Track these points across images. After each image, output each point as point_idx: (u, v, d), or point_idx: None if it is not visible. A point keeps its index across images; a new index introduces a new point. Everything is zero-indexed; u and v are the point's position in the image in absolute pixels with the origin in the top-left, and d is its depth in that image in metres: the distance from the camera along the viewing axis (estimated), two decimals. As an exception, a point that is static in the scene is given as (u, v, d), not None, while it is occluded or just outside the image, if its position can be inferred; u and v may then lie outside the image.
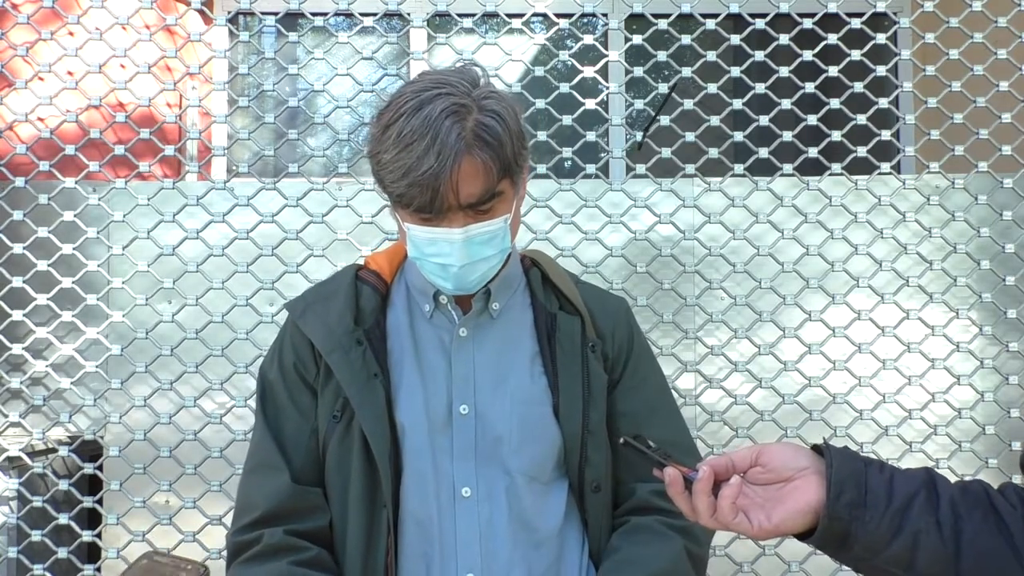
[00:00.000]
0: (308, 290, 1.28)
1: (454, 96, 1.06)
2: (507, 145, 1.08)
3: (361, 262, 1.29)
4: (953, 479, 1.04)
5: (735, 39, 2.12)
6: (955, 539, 0.83)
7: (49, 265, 2.00)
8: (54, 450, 2.02)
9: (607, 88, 2.12)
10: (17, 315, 2.00)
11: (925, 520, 0.83)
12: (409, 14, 2.21)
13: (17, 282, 2.00)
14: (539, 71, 2.11)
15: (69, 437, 2.08)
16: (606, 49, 2.12)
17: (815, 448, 0.90)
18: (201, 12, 2.34)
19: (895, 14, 2.22)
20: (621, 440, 0.94)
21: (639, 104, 2.12)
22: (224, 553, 1.92)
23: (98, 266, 2.03)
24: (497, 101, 1.09)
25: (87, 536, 1.96)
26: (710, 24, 2.10)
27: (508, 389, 1.17)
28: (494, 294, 1.21)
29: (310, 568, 1.12)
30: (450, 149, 1.03)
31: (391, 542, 1.14)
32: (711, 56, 2.10)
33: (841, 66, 2.08)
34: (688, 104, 2.07)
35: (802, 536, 0.88)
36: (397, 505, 1.15)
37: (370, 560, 1.14)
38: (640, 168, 2.05)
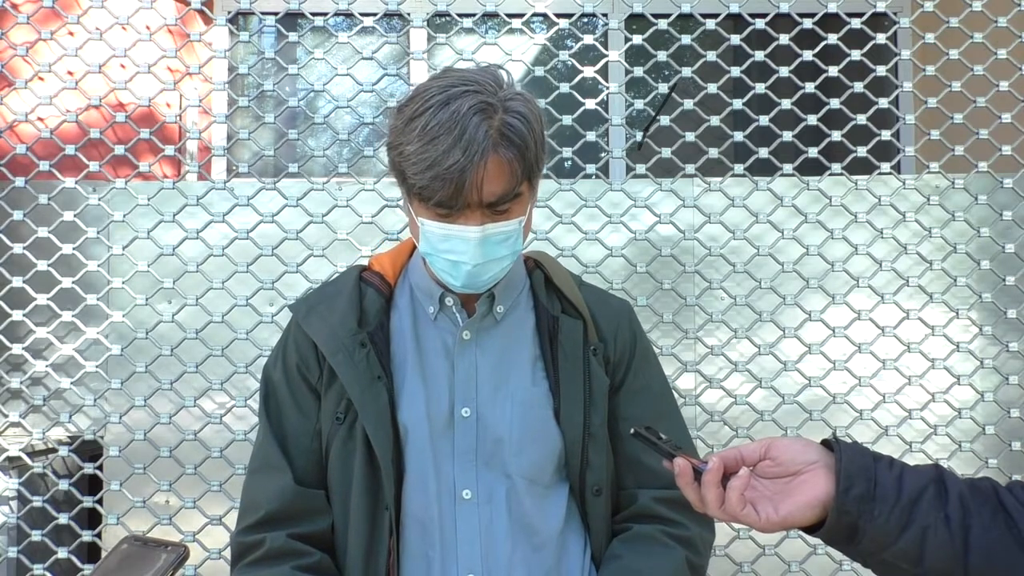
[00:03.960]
0: (311, 292, 1.28)
1: (481, 95, 1.05)
2: (531, 147, 1.07)
3: (364, 263, 1.29)
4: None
5: (735, 39, 2.12)
6: (963, 535, 0.83)
7: (49, 265, 2.00)
8: (54, 450, 2.02)
9: (607, 88, 2.12)
10: (17, 315, 2.00)
11: (934, 515, 0.84)
12: (409, 14, 2.21)
13: (17, 282, 2.00)
14: (539, 71, 2.11)
15: (69, 437, 2.08)
16: (606, 49, 2.12)
17: (824, 443, 0.90)
18: (201, 12, 2.34)
19: (895, 14, 2.22)
20: (632, 431, 0.94)
21: (639, 104, 2.12)
22: (224, 553, 1.93)
23: (98, 266, 2.03)
24: (523, 103, 1.08)
25: (87, 536, 1.96)
26: (710, 24, 2.10)
27: (509, 392, 1.17)
28: (499, 297, 1.20)
29: (313, 573, 1.12)
30: (477, 145, 1.02)
31: (393, 543, 1.14)
32: (711, 56, 2.10)
33: (841, 66, 2.08)
34: (688, 104, 2.07)
35: (810, 529, 0.88)
36: (399, 507, 1.15)
37: (372, 561, 1.14)
38: (640, 168, 2.05)
